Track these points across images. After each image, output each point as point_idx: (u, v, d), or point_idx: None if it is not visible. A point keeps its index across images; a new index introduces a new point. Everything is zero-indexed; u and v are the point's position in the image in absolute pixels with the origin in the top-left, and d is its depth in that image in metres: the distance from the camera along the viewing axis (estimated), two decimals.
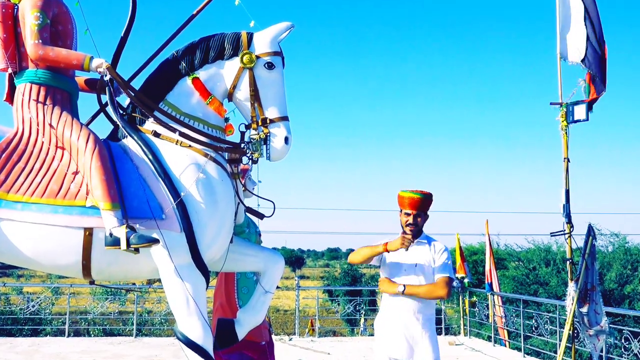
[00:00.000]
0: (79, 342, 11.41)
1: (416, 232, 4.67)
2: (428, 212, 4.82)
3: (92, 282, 4.31)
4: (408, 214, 4.64)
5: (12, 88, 4.23)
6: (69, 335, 12.31)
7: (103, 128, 4.38)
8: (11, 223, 3.82)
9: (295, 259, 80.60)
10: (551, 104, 6.80)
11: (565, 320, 7.24)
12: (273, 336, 5.20)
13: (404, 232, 4.63)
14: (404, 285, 4.52)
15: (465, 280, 12.91)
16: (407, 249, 4.52)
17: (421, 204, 4.68)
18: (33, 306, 14.62)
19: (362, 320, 17.11)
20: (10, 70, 4.17)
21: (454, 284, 12.70)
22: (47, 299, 16.19)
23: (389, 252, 4.58)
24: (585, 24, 6.94)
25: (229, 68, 4.19)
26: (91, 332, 15.70)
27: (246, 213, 4.71)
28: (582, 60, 6.85)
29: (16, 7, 4.15)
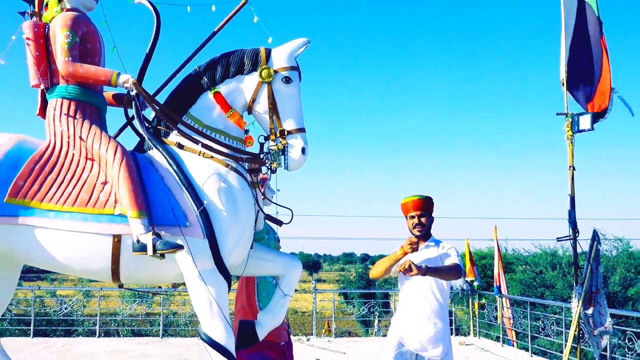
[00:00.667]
0: (109, 342, 11.44)
1: (424, 232, 4.62)
2: (433, 215, 4.78)
3: (120, 286, 4.32)
4: (413, 217, 4.63)
5: (44, 103, 4.25)
6: (99, 336, 12.35)
7: (130, 140, 4.40)
8: (44, 230, 3.83)
9: (312, 264, 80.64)
10: (557, 114, 6.74)
11: (570, 321, 7.15)
12: (292, 337, 5.16)
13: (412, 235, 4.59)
14: (425, 267, 4.37)
15: (475, 284, 12.81)
16: (417, 248, 4.46)
17: (423, 205, 4.65)
18: (66, 308, 14.70)
19: (376, 321, 17.03)
20: (42, 87, 4.19)
21: (465, 286, 12.69)
22: (79, 301, 16.27)
23: (406, 254, 4.51)
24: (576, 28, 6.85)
25: (249, 82, 4.18)
26: (120, 333, 15.77)
27: (265, 220, 4.69)
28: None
29: (47, 26, 4.18)
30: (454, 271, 4.47)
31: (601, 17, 6.74)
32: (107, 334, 14.82)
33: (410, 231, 4.70)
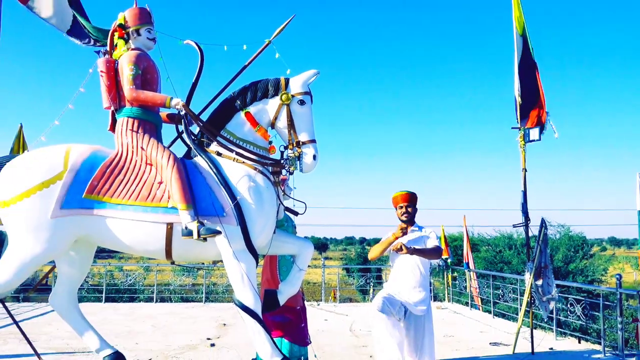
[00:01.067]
0: (164, 307, 11.47)
1: (410, 219, 4.71)
2: (417, 207, 4.85)
3: (172, 263, 4.34)
4: (401, 207, 4.71)
5: (114, 121, 4.28)
6: (156, 302, 12.39)
7: (180, 149, 4.42)
8: (113, 220, 3.85)
9: (321, 245, 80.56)
10: (512, 128, 6.73)
11: (524, 290, 7.12)
12: (305, 302, 5.16)
13: (401, 222, 4.66)
14: (413, 248, 4.44)
15: (449, 261, 12.79)
16: (406, 232, 4.55)
17: (409, 198, 4.79)
18: (130, 280, 14.77)
19: (372, 290, 16.98)
20: (112, 108, 4.22)
21: (440, 262, 12.66)
22: (140, 274, 16.36)
23: (397, 238, 4.55)
24: (521, 62, 6.83)
25: (272, 104, 4.19)
26: (172, 299, 15.80)
27: (285, 211, 4.69)
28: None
29: (116, 62, 4.21)
30: (435, 252, 4.56)
31: (535, 57, 6.76)
32: (162, 300, 14.88)
33: (399, 218, 4.76)
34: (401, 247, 4.36)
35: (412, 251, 4.42)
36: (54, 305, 4.33)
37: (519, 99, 6.64)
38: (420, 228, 4.76)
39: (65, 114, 4.34)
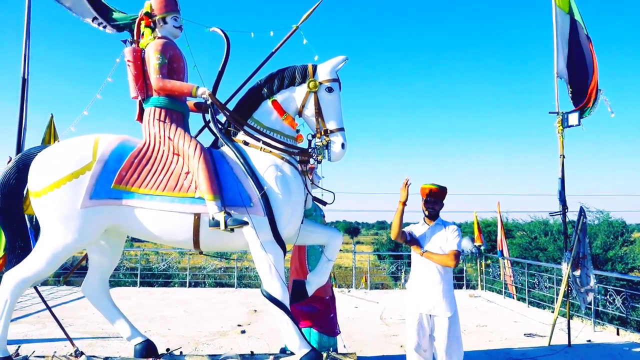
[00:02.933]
0: (197, 291, 11.65)
1: (433, 213, 4.46)
2: (443, 202, 4.59)
3: (201, 253, 4.34)
4: (428, 200, 4.45)
5: (141, 111, 4.27)
6: (189, 286, 12.60)
7: (207, 139, 4.38)
8: (142, 210, 3.85)
9: (352, 229, 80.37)
10: (550, 112, 6.48)
11: (560, 278, 6.91)
12: (336, 288, 5.11)
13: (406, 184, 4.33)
14: (425, 250, 4.30)
15: (482, 248, 12.51)
16: (409, 184, 4.28)
17: (438, 193, 4.46)
18: (164, 265, 15.04)
19: (403, 275, 16.87)
20: (140, 98, 4.20)
21: (474, 250, 12.42)
22: (174, 259, 16.61)
23: (404, 204, 4.31)
24: (570, 42, 6.59)
25: (299, 92, 4.10)
26: (206, 283, 16.02)
27: (313, 200, 4.62)
28: (562, 77, 6.59)
29: (143, 51, 4.18)
30: (447, 260, 4.27)
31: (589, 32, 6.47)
32: (196, 284, 15.12)
33: (423, 209, 4.53)
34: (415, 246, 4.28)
35: (426, 255, 4.28)
36: (87, 293, 4.40)
37: (565, 80, 6.41)
38: (445, 224, 4.51)
39: (94, 103, 4.36)
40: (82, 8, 5.03)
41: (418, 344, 4.24)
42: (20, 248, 4.09)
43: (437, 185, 4.46)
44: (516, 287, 12.00)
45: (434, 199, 4.43)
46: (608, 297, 7.94)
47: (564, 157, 6.47)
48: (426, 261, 4.32)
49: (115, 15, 5.02)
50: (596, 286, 6.29)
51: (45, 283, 11.20)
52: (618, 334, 7.76)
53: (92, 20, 5.02)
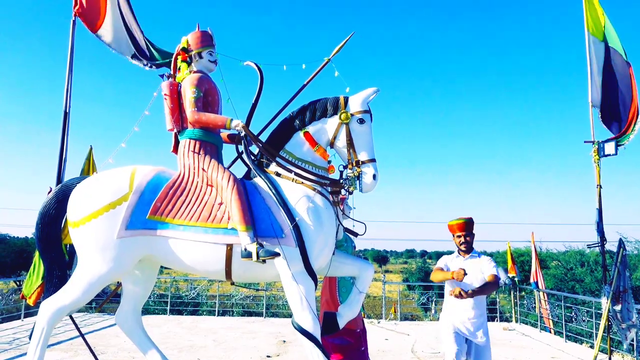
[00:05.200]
0: (225, 320, 11.63)
1: (469, 247, 4.55)
2: (474, 232, 4.69)
3: (232, 283, 4.34)
4: (459, 236, 4.56)
5: (176, 143, 4.36)
6: (218, 315, 12.59)
7: (240, 170, 4.44)
8: (175, 240, 3.90)
9: (381, 258, 79.58)
10: (585, 142, 6.37)
11: (598, 312, 6.64)
12: (365, 318, 5.05)
13: (459, 269, 4.45)
14: (469, 290, 4.33)
15: (516, 279, 12.21)
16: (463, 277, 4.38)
17: (467, 226, 4.65)
18: (193, 293, 15.10)
19: (433, 306, 16.53)
20: (175, 130, 4.30)
21: (507, 281, 12.12)
22: (204, 287, 16.67)
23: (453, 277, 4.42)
24: (604, 71, 6.53)
25: (331, 123, 4.13)
26: (234, 312, 15.98)
27: (344, 231, 4.60)
28: (596, 106, 6.52)
29: (179, 85, 4.30)
30: (494, 285, 4.40)
31: (629, 60, 6.38)
32: (224, 312, 15.11)
33: (457, 246, 4.64)
34: (460, 293, 4.32)
35: (472, 294, 4.36)
36: (120, 322, 4.44)
37: (592, 99, 6.33)
38: (479, 255, 4.59)
39: (132, 136, 4.47)
40: (122, 45, 5.23)
41: (459, 351, 4.29)
42: (57, 277, 4.17)
43: (463, 219, 4.55)
44: (552, 321, 11.62)
45: (465, 232, 4.50)
46: None
47: (600, 187, 6.33)
48: (465, 288, 4.38)
49: (155, 54, 5.20)
50: (638, 321, 6.04)
51: (78, 310, 11.35)
52: None
53: (132, 58, 5.20)
